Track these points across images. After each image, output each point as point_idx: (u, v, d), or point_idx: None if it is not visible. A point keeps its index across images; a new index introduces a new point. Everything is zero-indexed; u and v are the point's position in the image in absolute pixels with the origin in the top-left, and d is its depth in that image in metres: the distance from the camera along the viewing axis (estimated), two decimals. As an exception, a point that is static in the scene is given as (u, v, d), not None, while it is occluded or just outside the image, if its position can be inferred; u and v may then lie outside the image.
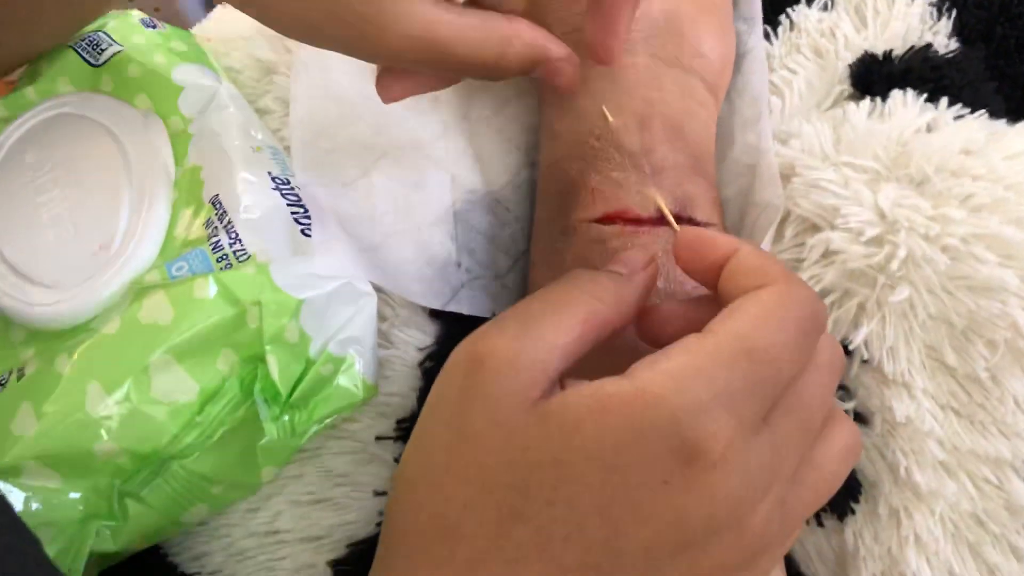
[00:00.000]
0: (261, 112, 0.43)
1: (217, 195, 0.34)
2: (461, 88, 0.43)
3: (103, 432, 0.30)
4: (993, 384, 0.31)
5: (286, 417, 0.32)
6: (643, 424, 0.22)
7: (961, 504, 0.31)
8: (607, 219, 0.34)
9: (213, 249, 0.33)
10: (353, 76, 0.42)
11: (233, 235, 0.33)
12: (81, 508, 0.31)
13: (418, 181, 0.40)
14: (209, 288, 0.31)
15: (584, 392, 0.23)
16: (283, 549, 0.34)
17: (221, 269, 0.32)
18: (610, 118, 0.35)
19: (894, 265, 0.32)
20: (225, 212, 0.34)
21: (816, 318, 0.25)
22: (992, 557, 0.31)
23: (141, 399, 0.30)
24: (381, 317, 0.37)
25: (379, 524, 0.34)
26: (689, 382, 0.22)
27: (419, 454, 0.25)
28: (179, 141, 0.37)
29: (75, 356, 0.30)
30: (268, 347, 0.31)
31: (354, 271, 0.36)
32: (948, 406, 0.32)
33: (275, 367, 0.31)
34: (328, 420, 0.33)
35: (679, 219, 0.34)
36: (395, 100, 0.32)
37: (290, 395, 0.32)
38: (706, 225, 0.34)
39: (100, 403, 0.30)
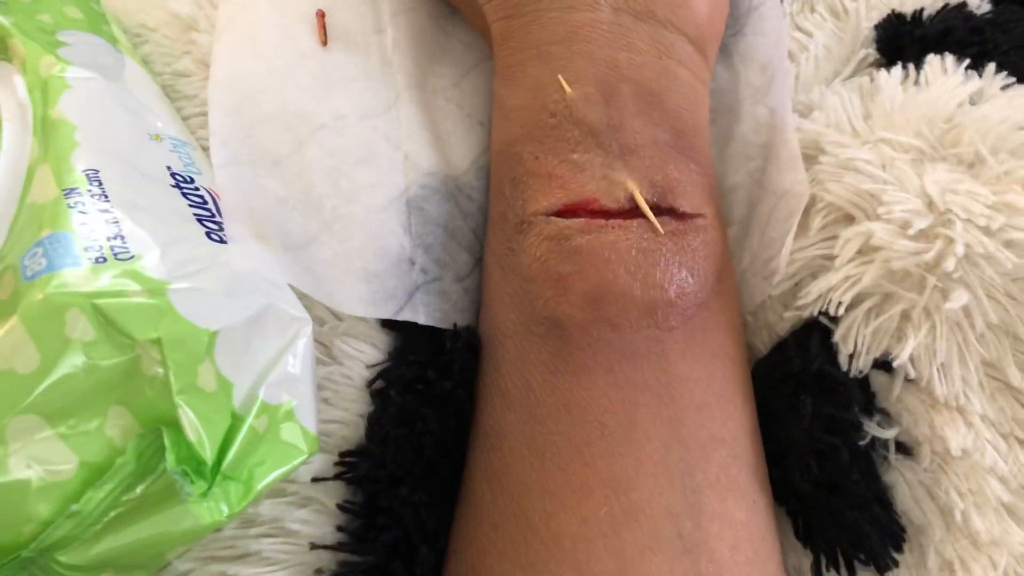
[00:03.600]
0: (178, 75, 0.36)
1: (97, 171, 0.26)
2: (417, 52, 0.36)
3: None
4: (1067, 409, 0.26)
5: (217, 491, 0.24)
6: None
7: (1029, 555, 0.26)
8: (567, 211, 0.28)
9: (82, 236, 0.24)
10: (287, 30, 0.35)
11: (112, 220, 0.25)
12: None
13: (364, 157, 0.32)
14: (83, 319, 0.23)
15: None
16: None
17: (95, 262, 0.24)
18: (567, 88, 0.28)
19: (949, 264, 0.26)
20: (104, 192, 0.26)
21: None
22: (1065, 618, 0.26)
23: None
24: (319, 322, 0.30)
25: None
26: None
27: None
28: (50, 85, 0.29)
29: None
30: (179, 399, 0.24)
31: (279, 277, 0.28)
32: (1012, 435, 0.27)
33: (193, 426, 0.24)
34: (266, 489, 0.26)
35: (658, 210, 0.28)
36: None
37: (219, 462, 0.25)
38: (694, 217, 0.28)
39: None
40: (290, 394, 0.26)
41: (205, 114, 0.34)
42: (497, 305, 0.29)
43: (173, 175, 0.29)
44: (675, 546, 0.25)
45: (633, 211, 0.27)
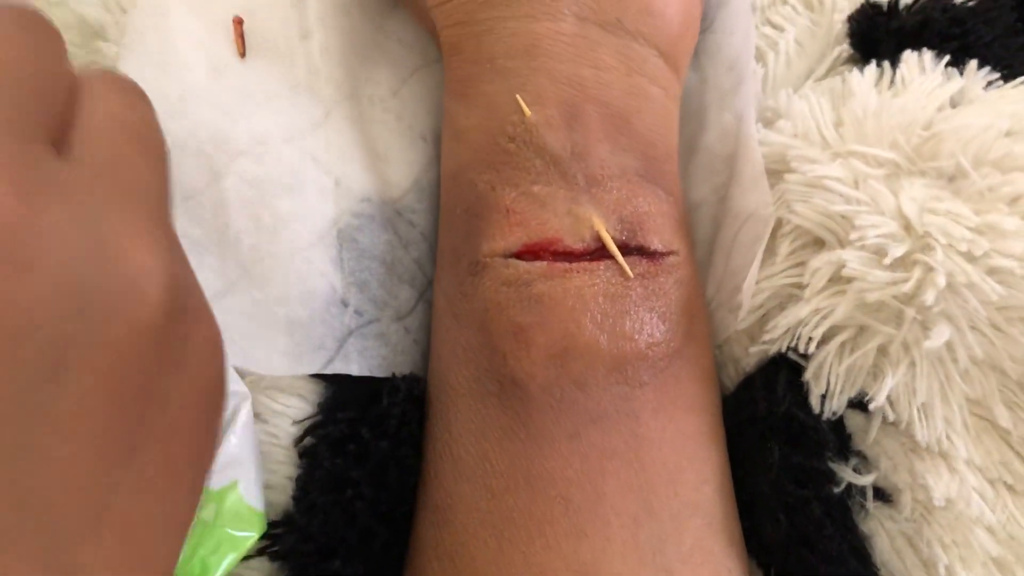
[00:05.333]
0: (85, 90, 0.32)
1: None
2: (349, 57, 0.33)
3: None
4: (1060, 452, 0.24)
5: None
6: None
7: (1019, 612, 0.24)
8: (528, 252, 0.25)
9: None
10: (203, 41, 0.32)
11: None
12: None
13: (289, 185, 0.29)
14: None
15: None
16: None
17: None
18: (527, 110, 0.26)
19: (928, 296, 0.23)
20: None
21: None
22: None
23: None
24: (239, 374, 0.27)
25: None
26: None
27: None
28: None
29: None
30: None
31: None
32: (1001, 481, 0.24)
33: None
34: None
35: (626, 249, 0.25)
36: None
37: None
38: (665, 255, 0.26)
39: None
40: (235, 474, 0.24)
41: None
42: (448, 357, 0.26)
43: None
44: None
45: (599, 251, 0.25)
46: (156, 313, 0.14)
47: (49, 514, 0.12)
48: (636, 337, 0.24)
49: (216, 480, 0.24)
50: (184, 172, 0.29)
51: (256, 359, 0.26)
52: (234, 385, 0.25)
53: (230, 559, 0.24)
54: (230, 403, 0.25)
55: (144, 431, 0.14)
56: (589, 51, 0.26)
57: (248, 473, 0.25)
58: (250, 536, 0.24)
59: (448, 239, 0.27)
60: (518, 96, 0.25)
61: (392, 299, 0.29)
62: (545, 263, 0.24)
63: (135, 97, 0.18)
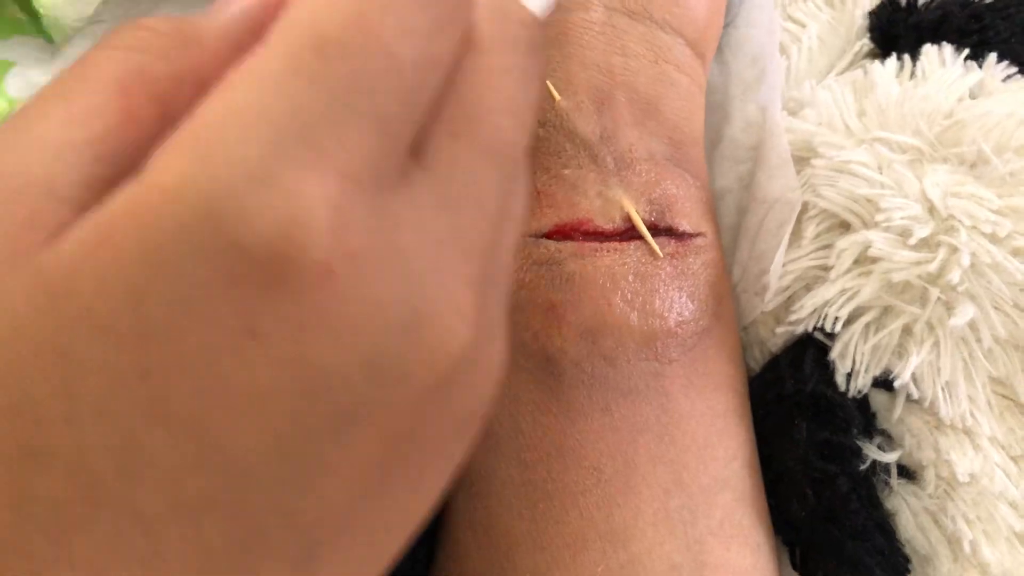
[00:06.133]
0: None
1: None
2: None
3: None
4: (1082, 429, 0.24)
5: None
6: (175, 247, 0.11)
7: (1043, 586, 0.24)
8: (559, 232, 0.26)
9: None
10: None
11: None
12: None
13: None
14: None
15: (85, 224, 0.12)
16: None
17: None
18: (556, 96, 0.26)
19: (954, 276, 0.24)
20: None
21: None
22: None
23: None
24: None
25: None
26: (230, 145, 0.11)
27: None
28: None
29: None
30: None
31: None
32: (1023, 458, 0.25)
33: None
34: None
35: (655, 230, 0.26)
36: None
37: None
38: (693, 236, 0.26)
39: None
40: None
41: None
42: None
43: None
44: None
45: (629, 232, 0.26)
46: (444, 375, 0.13)
47: (303, 530, 0.13)
48: (666, 315, 0.25)
49: None
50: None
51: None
52: None
53: None
54: None
55: (398, 458, 0.14)
56: (617, 39, 0.27)
57: None
58: None
59: None
60: (548, 82, 0.26)
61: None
62: (576, 242, 0.25)
63: (529, 68, 0.14)
